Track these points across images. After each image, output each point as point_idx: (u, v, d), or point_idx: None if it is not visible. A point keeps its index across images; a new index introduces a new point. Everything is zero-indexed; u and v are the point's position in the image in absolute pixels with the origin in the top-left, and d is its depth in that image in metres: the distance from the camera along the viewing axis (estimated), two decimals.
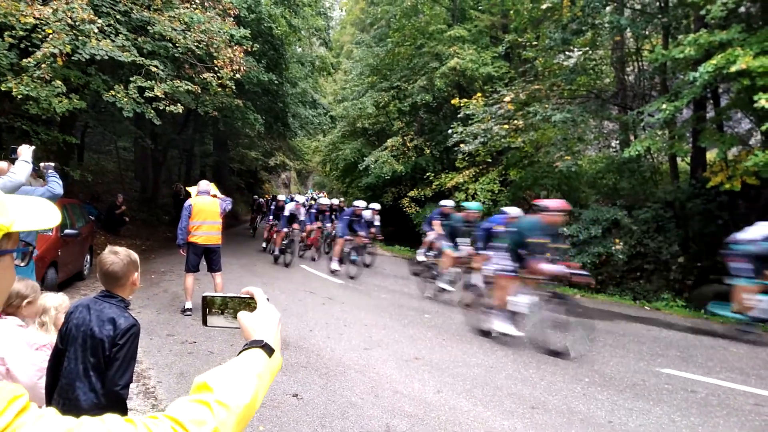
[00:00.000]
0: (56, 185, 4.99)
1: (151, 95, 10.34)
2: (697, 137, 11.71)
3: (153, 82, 10.41)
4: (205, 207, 8.18)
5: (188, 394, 1.04)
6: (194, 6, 11.22)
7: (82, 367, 2.51)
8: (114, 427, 0.88)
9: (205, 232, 8.13)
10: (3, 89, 9.05)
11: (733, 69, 8.62)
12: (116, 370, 2.50)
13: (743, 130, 13.63)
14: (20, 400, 0.83)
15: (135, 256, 2.71)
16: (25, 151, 4.87)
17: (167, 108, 10.63)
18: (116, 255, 2.62)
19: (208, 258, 8.28)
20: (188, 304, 8.02)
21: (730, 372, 6.45)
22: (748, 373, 6.45)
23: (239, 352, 1.17)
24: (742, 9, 10.39)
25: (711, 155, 12.83)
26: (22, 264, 1.07)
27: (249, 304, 1.31)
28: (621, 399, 5.44)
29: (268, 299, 1.31)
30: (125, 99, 10.15)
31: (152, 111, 10.73)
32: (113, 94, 10.18)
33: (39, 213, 0.97)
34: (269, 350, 1.18)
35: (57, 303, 3.14)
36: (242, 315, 1.27)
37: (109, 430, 0.87)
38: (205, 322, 1.36)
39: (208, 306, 1.35)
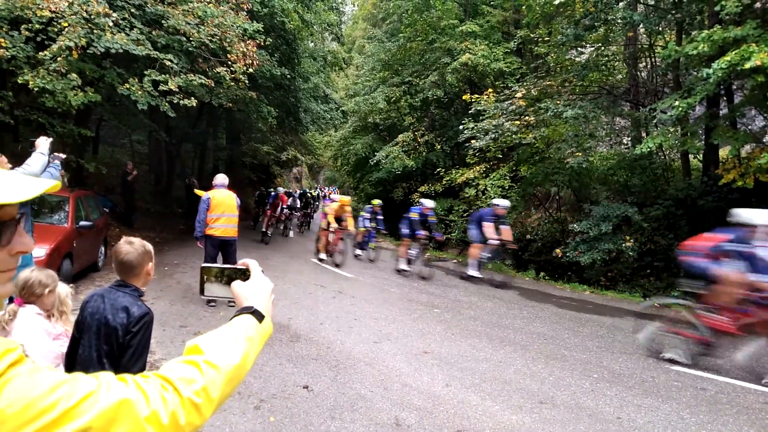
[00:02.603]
0: (48, 177, 4.86)
1: (165, 89, 10.42)
2: (709, 134, 11.61)
3: (167, 75, 10.48)
4: (223, 200, 8.34)
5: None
6: (207, 0, 11.28)
7: (96, 354, 2.56)
8: (107, 383, 0.92)
9: (223, 225, 8.30)
10: (20, 82, 9.15)
11: (747, 66, 8.54)
12: (130, 357, 2.55)
13: (757, 127, 13.50)
14: (14, 353, 0.85)
15: (149, 246, 2.75)
16: (43, 143, 4.94)
17: (181, 101, 10.71)
18: (131, 245, 2.67)
19: (224, 251, 8.40)
20: None
21: (740, 370, 6.42)
22: (758, 372, 6.42)
23: (231, 318, 1.22)
24: (758, 5, 10.27)
25: (724, 152, 12.72)
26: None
27: (244, 273, 1.37)
28: (630, 395, 5.45)
29: (262, 271, 1.38)
30: (139, 92, 10.23)
31: (167, 104, 10.81)
32: (128, 87, 10.27)
33: (14, 186, 0.96)
34: (259, 316, 1.24)
35: (66, 292, 3.22)
36: (236, 284, 1.34)
37: (100, 385, 0.90)
38: (202, 292, 1.43)
39: (205, 276, 1.42)
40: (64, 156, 5.30)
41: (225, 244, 8.36)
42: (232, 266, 1.41)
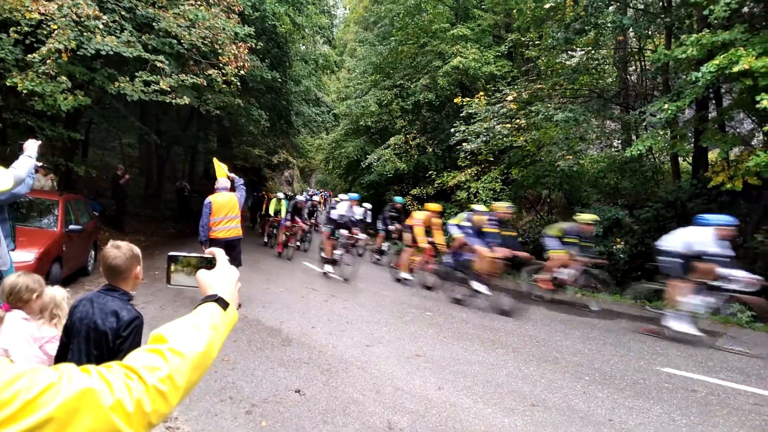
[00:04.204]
0: (23, 185, 4.86)
1: (156, 89, 10.37)
2: (698, 137, 11.70)
3: (158, 76, 10.42)
4: (225, 203, 8.45)
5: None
6: (199, 3, 11.24)
7: (86, 359, 2.54)
8: (68, 374, 0.91)
9: (226, 227, 8.44)
10: (8, 85, 9.08)
11: (735, 69, 8.62)
12: None
13: (745, 130, 13.62)
14: None
15: (137, 250, 2.74)
16: (31, 146, 4.92)
17: (174, 101, 10.66)
18: (118, 249, 2.66)
19: (228, 252, 8.32)
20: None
21: (730, 372, 6.46)
22: (748, 373, 6.46)
23: (195, 307, 1.22)
24: (746, 9, 10.37)
25: (713, 155, 12.82)
26: None
27: (210, 262, 1.37)
28: (621, 397, 5.47)
29: (236, 264, 1.36)
30: (130, 88, 10.18)
31: (162, 96, 10.64)
32: (117, 84, 10.21)
33: None
34: (224, 304, 1.24)
35: (62, 295, 3.20)
36: (201, 273, 1.33)
37: (61, 376, 0.90)
38: (168, 281, 1.42)
39: (171, 265, 1.41)
40: (39, 164, 5.33)
41: (229, 245, 8.33)
42: (198, 255, 1.41)
